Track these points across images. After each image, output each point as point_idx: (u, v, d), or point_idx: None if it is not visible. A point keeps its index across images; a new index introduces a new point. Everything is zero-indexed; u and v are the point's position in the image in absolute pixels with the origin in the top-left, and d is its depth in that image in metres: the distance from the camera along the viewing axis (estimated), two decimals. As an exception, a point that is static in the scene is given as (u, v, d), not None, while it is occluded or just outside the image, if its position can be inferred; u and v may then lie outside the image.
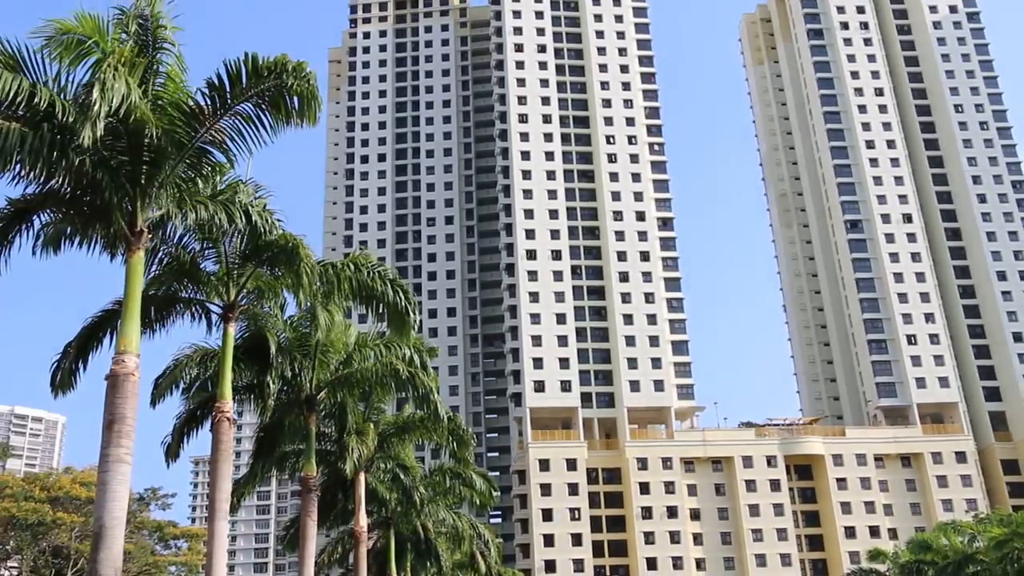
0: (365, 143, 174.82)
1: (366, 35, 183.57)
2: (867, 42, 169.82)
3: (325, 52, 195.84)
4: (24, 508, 62.84)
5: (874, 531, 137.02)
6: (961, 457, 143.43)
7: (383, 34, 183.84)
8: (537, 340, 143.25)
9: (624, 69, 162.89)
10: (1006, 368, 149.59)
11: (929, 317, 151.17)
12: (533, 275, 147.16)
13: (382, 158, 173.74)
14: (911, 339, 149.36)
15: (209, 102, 21.15)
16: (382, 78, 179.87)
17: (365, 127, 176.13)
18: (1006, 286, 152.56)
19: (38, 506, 63.47)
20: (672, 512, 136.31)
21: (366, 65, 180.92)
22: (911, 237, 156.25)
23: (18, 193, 21.23)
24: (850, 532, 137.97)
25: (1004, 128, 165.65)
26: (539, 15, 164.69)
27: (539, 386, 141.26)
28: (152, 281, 25.19)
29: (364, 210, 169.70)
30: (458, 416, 46.70)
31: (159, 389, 29.52)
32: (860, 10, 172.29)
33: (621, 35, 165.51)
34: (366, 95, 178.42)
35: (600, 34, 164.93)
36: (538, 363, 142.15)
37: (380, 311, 30.13)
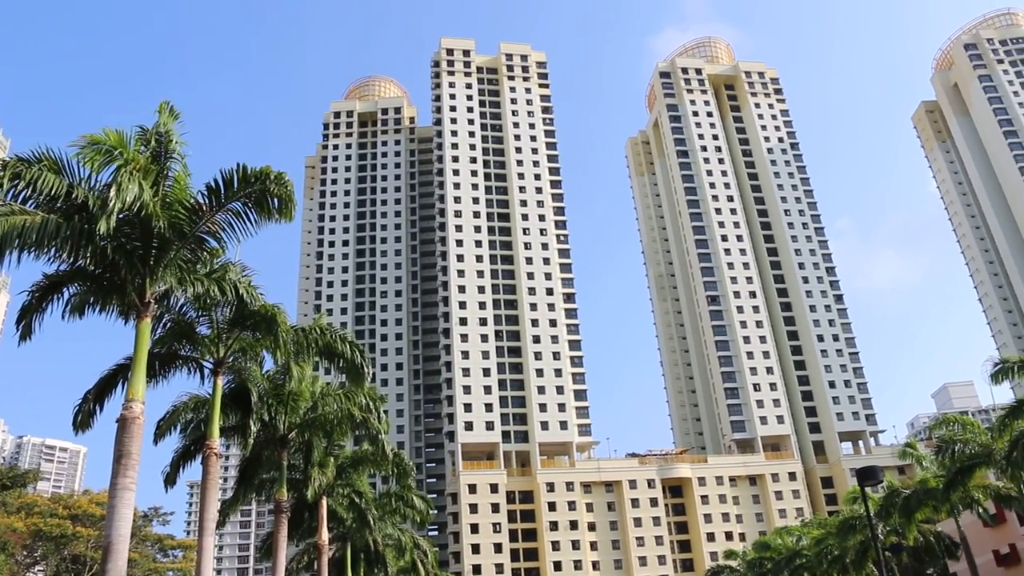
0: (332, 231, 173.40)
1: (335, 147, 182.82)
2: (720, 161, 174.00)
3: (302, 159, 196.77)
4: (49, 523, 60.65)
5: (729, 536, 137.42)
6: (792, 476, 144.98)
7: (349, 146, 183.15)
8: (467, 389, 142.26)
9: (537, 177, 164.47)
10: (824, 409, 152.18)
11: (769, 370, 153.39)
12: (464, 338, 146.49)
13: (346, 243, 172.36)
14: (756, 387, 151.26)
15: (207, 200, 21.15)
16: (347, 180, 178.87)
17: (333, 219, 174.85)
18: (824, 346, 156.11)
19: (61, 522, 61.33)
20: (574, 525, 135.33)
21: (335, 170, 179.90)
22: (755, 309, 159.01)
23: (52, 269, 21.28)
24: (711, 537, 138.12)
25: (818, 226, 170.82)
26: (471, 135, 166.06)
27: (468, 426, 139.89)
28: (157, 341, 24.75)
29: (331, 284, 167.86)
30: (402, 451, 46.09)
31: (160, 429, 28.92)
32: (715, 137, 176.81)
33: (535, 151, 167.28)
34: (334, 193, 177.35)
35: (519, 150, 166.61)
36: (468, 408, 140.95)
37: (341, 366, 29.93)
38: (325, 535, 39.46)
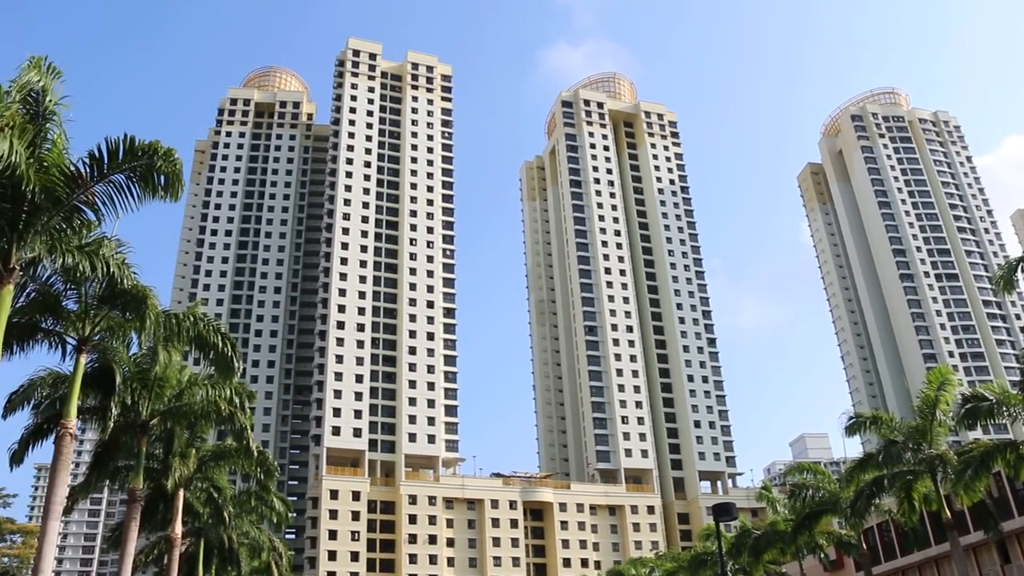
0: (216, 219, 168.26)
1: (228, 134, 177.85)
2: (612, 195, 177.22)
3: (192, 142, 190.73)
4: None
5: (584, 563, 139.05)
6: (651, 510, 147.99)
7: (242, 135, 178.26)
8: (338, 394, 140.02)
9: (430, 190, 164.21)
10: (687, 447, 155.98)
11: (638, 404, 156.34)
12: (340, 342, 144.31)
13: (228, 233, 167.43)
14: (624, 419, 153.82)
15: (88, 169, 20.10)
16: (236, 169, 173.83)
17: (218, 207, 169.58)
18: (693, 386, 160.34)
19: None
20: (433, 539, 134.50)
21: (225, 157, 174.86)
22: (631, 343, 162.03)
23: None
24: (567, 563, 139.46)
25: (699, 270, 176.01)
26: (368, 139, 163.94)
27: (336, 431, 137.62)
28: (17, 311, 23.32)
29: (208, 273, 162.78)
30: (267, 450, 44.86)
31: (12, 403, 27.24)
32: (609, 171, 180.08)
33: (431, 163, 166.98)
34: (222, 181, 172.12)
35: (414, 159, 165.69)
36: (337, 412, 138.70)
37: (211, 357, 28.99)
38: (179, 528, 37.98)
